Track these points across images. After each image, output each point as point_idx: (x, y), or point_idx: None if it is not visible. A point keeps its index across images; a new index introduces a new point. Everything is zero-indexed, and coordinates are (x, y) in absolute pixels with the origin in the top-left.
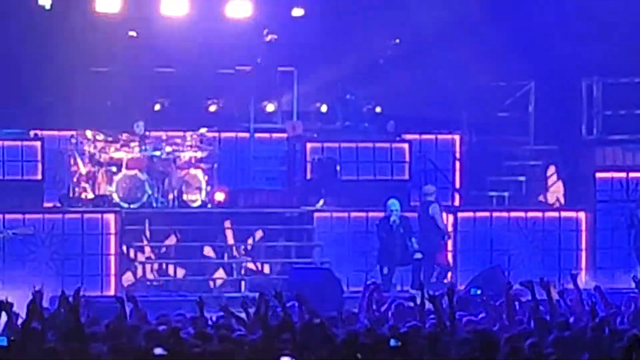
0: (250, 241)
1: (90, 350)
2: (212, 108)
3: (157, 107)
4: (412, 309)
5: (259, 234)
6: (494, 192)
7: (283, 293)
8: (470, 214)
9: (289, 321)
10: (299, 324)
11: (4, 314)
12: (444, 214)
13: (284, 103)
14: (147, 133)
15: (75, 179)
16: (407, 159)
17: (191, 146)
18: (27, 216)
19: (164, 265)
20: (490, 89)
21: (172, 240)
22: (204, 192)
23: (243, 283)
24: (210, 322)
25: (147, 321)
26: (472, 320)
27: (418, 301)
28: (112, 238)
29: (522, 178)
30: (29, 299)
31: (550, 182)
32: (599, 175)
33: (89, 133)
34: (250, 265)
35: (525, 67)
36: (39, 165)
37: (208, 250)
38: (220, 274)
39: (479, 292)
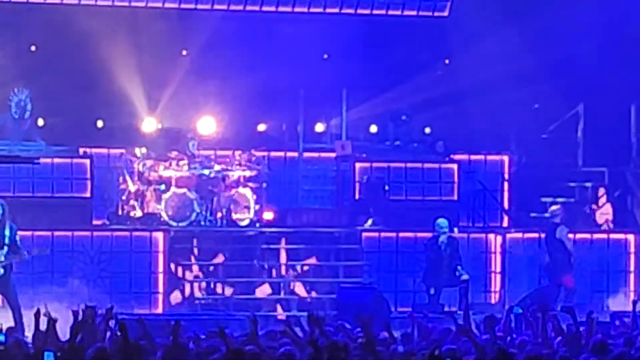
0: (298, 260)
1: None
2: (262, 127)
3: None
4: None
5: (307, 254)
6: (542, 213)
7: (325, 315)
8: (519, 235)
9: (337, 342)
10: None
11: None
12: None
13: (333, 123)
14: (196, 152)
15: (124, 197)
16: (456, 179)
17: (240, 165)
18: (76, 234)
19: (212, 284)
20: (540, 110)
21: (220, 259)
22: (252, 211)
23: (291, 302)
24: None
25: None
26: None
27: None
28: (160, 256)
29: (571, 200)
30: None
31: (599, 204)
32: None
33: (138, 151)
34: (299, 285)
35: (575, 89)
36: (88, 183)
37: (256, 269)
38: (268, 292)
39: (520, 311)
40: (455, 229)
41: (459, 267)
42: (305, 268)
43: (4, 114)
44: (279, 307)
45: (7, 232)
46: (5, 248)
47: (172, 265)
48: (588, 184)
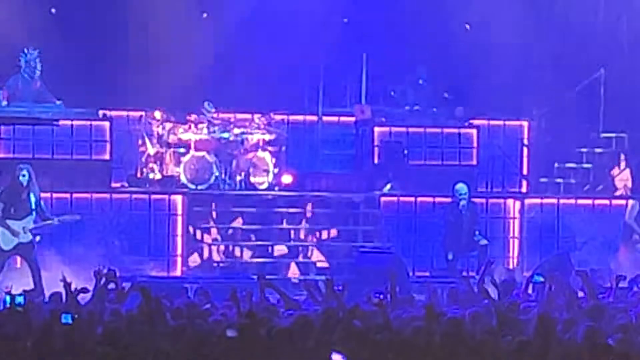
0: (316, 224)
1: (156, 331)
2: (281, 91)
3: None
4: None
5: (325, 219)
6: (561, 179)
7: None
8: (538, 200)
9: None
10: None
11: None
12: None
13: (352, 87)
14: (215, 115)
15: (143, 160)
16: (475, 144)
17: (259, 128)
18: (95, 196)
19: (230, 247)
20: (560, 75)
21: (238, 222)
22: (271, 175)
23: (309, 266)
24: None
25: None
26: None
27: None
28: (179, 219)
29: (589, 165)
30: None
31: (618, 170)
32: None
33: (157, 114)
34: (317, 248)
35: (596, 53)
36: (108, 146)
37: (274, 233)
38: (286, 256)
39: (541, 279)
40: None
41: (477, 233)
42: (324, 232)
43: (15, 75)
44: (296, 271)
45: (32, 198)
46: (33, 214)
47: (191, 228)
48: (608, 150)
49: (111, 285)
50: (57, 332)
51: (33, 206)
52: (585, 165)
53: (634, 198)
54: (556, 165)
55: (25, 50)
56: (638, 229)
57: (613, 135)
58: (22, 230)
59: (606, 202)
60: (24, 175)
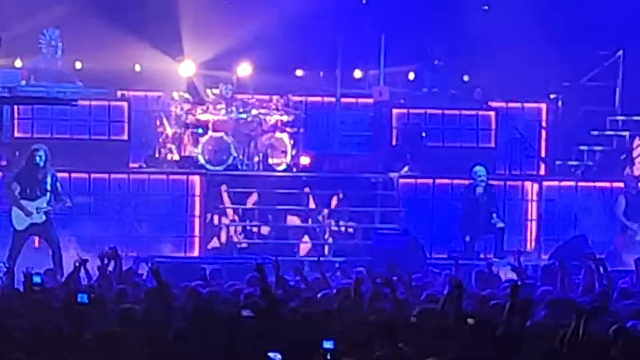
0: (334, 206)
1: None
2: (299, 72)
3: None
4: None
5: (343, 200)
6: (579, 161)
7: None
8: (556, 183)
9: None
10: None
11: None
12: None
13: (371, 73)
14: (234, 96)
15: (161, 140)
16: (494, 127)
17: (277, 109)
18: (113, 176)
19: (248, 228)
20: (578, 58)
21: (256, 203)
22: (289, 156)
23: (327, 247)
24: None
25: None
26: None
27: (495, 270)
28: (197, 200)
29: (607, 148)
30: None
31: (635, 153)
32: None
33: (175, 94)
34: (334, 230)
35: (614, 36)
36: (126, 126)
37: (292, 214)
38: (304, 237)
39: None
40: None
41: (494, 215)
42: (342, 213)
43: (35, 56)
44: (313, 252)
45: (48, 179)
46: (48, 195)
47: (209, 209)
48: (625, 133)
49: (111, 265)
50: (73, 312)
51: (49, 187)
52: (605, 149)
53: (622, 192)
54: (574, 148)
55: (45, 31)
56: (628, 224)
57: (631, 118)
58: (35, 210)
59: (622, 184)
60: (40, 157)
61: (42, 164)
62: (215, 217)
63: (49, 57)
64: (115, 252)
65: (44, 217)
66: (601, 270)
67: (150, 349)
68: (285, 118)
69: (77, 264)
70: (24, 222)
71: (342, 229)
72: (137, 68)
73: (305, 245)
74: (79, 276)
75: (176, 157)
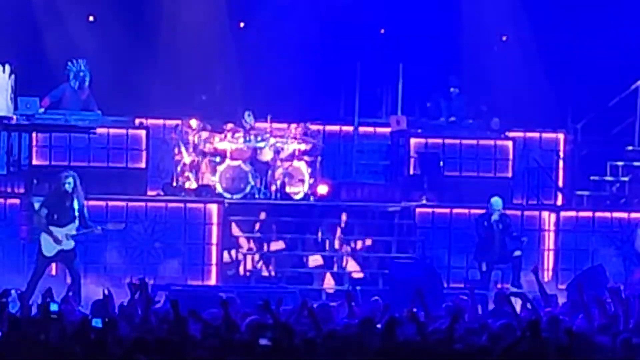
0: (351, 235)
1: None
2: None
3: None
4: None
5: (360, 229)
6: (597, 192)
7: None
8: (573, 213)
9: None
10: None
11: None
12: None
13: (388, 97)
14: (252, 121)
15: (178, 168)
16: (511, 156)
17: (295, 138)
18: (130, 204)
19: (265, 257)
20: (597, 88)
21: (273, 232)
22: (306, 185)
23: (344, 277)
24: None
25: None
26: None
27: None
28: (214, 228)
29: (625, 179)
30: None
31: None
32: None
33: (193, 123)
34: (351, 259)
35: (632, 66)
36: (144, 154)
37: (309, 243)
38: (321, 266)
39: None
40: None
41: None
42: (358, 242)
43: (62, 84)
44: (331, 281)
45: (76, 205)
46: (76, 221)
47: (226, 238)
48: None
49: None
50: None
51: (76, 213)
52: (622, 179)
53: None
54: (592, 178)
55: (73, 61)
56: None
57: None
58: (64, 237)
59: None
60: (69, 183)
61: (70, 190)
62: (233, 242)
63: (76, 87)
64: (144, 281)
65: (72, 244)
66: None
67: None
68: (303, 147)
69: (105, 292)
70: (53, 249)
71: (359, 258)
72: (156, 96)
73: (322, 274)
74: (112, 304)
75: (194, 185)
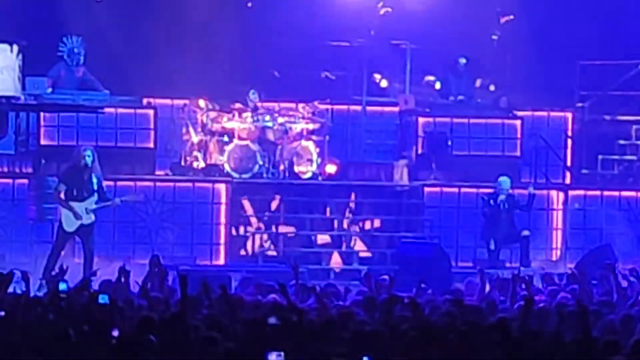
0: (360, 214)
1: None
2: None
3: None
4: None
5: (368, 208)
6: (605, 170)
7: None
8: (581, 192)
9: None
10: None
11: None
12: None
13: (396, 77)
14: (259, 104)
15: (187, 148)
16: (519, 135)
17: (303, 118)
18: (139, 184)
19: (273, 236)
20: (604, 66)
21: (281, 211)
22: (315, 164)
23: (353, 256)
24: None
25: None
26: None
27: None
28: (223, 207)
29: (633, 157)
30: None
31: None
32: None
33: (201, 102)
34: (359, 239)
35: None
36: (152, 134)
37: (317, 222)
38: (329, 245)
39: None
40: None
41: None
42: (367, 222)
43: (57, 63)
44: (339, 260)
45: (94, 179)
46: (95, 195)
47: (234, 217)
48: None
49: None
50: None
51: (95, 187)
52: (629, 157)
53: None
54: (600, 157)
55: (66, 39)
56: None
57: None
58: (84, 211)
59: None
60: (88, 156)
61: (89, 164)
62: (242, 221)
63: (71, 65)
64: (157, 259)
65: (92, 218)
66: (619, 279)
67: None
68: (311, 126)
69: (121, 271)
70: (74, 224)
71: (367, 237)
72: (164, 75)
73: (330, 253)
74: (129, 283)
75: (202, 164)
